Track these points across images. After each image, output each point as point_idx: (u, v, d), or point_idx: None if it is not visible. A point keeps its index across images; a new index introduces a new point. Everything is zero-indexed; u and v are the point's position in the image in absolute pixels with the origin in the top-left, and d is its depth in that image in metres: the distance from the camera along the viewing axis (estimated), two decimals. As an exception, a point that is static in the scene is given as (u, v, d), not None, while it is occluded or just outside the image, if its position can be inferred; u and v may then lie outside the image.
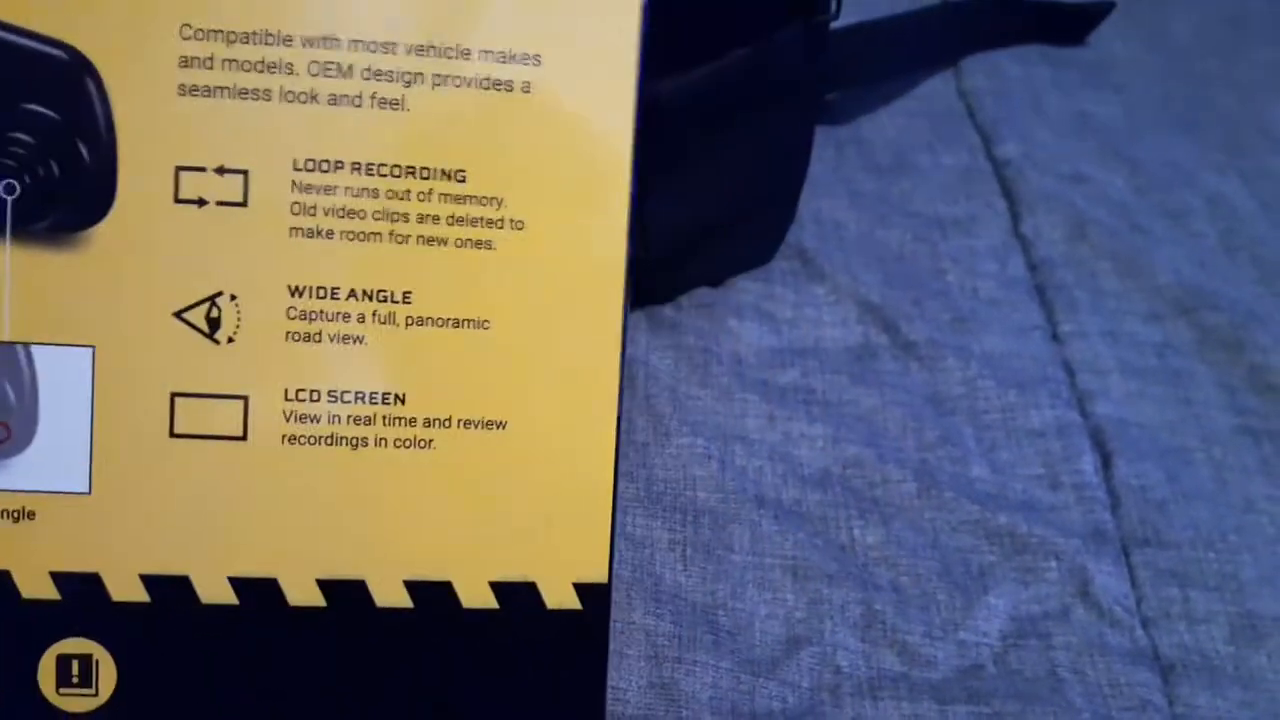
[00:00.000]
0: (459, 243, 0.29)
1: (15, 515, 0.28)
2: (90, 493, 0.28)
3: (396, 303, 0.29)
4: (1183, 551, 0.39)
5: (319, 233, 0.28)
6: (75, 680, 0.28)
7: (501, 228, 0.29)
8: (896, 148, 0.55)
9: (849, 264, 0.48)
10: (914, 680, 0.35)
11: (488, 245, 0.29)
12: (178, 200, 0.28)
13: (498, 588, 0.29)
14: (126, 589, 0.28)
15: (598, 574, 0.30)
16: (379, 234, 0.28)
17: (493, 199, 0.29)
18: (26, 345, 0.28)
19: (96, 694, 0.28)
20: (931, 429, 0.42)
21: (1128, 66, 0.63)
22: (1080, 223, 0.50)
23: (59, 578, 0.28)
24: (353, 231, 0.28)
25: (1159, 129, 0.59)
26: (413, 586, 0.29)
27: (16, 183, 0.27)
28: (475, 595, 0.29)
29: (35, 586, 0.28)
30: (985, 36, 0.61)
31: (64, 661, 0.28)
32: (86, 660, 0.28)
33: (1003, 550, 0.39)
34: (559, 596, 0.29)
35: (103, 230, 0.28)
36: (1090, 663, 0.36)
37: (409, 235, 0.29)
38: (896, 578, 0.38)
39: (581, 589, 0.30)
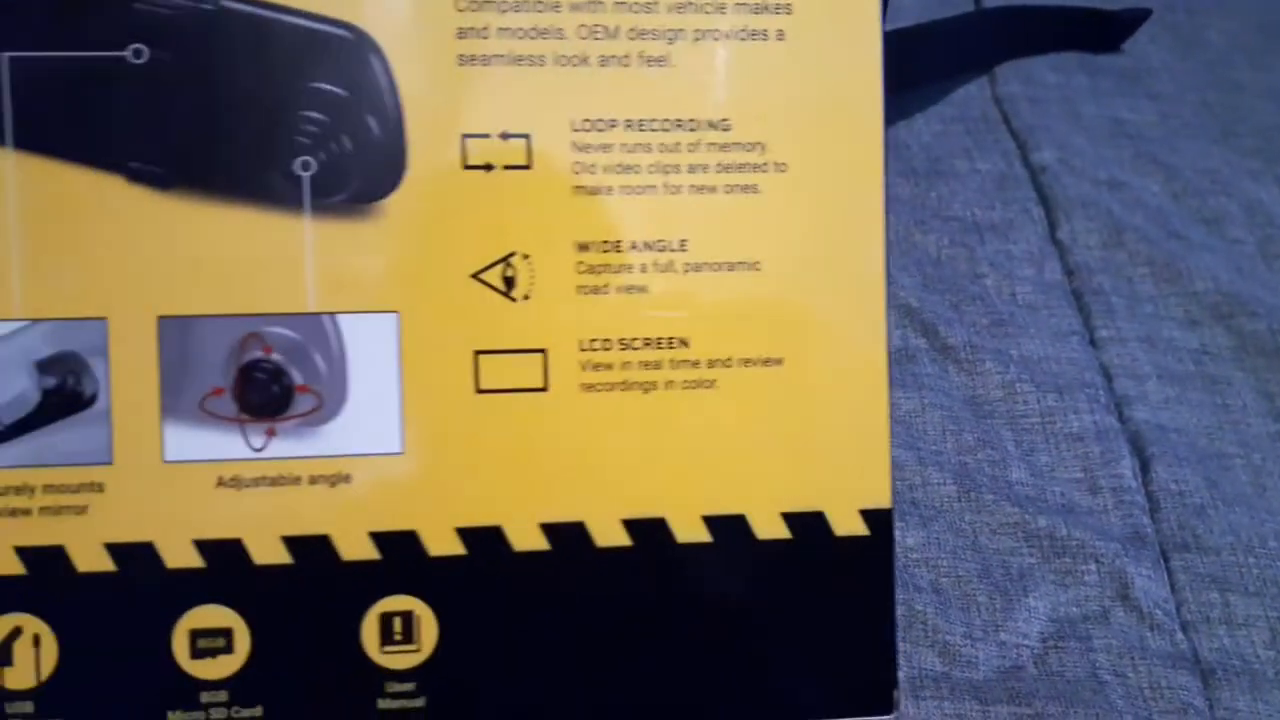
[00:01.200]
0: (727, 189, 0.30)
1: (332, 480, 0.29)
2: (403, 452, 0.29)
3: (674, 251, 0.30)
4: (1222, 557, 0.39)
5: (599, 189, 0.30)
6: (398, 637, 0.29)
7: (766, 171, 0.30)
8: (932, 153, 0.55)
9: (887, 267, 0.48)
10: (955, 680, 0.35)
11: (754, 190, 0.30)
12: (466, 167, 0.29)
13: (789, 518, 0.30)
14: (442, 543, 0.29)
15: (881, 499, 0.31)
16: (654, 186, 0.30)
17: (756, 144, 0.30)
18: (333, 315, 0.29)
19: (419, 649, 0.29)
20: (970, 432, 0.42)
21: (1163, 74, 0.63)
22: (1117, 229, 0.50)
23: (377, 537, 0.29)
24: (630, 186, 0.30)
25: (1195, 136, 0.58)
26: (710, 521, 0.30)
27: (312, 159, 0.29)
28: (768, 527, 0.30)
29: (355, 548, 0.29)
30: (1020, 43, 0.61)
31: (386, 619, 0.29)
32: (408, 617, 0.29)
33: (1042, 553, 0.38)
34: (847, 524, 0.31)
35: (397, 200, 0.29)
36: (1131, 665, 0.36)
37: (681, 185, 0.30)
38: (937, 579, 0.38)
39: (867, 515, 0.31)
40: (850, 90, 0.30)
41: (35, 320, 0.28)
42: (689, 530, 0.30)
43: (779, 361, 0.30)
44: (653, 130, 0.30)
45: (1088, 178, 0.53)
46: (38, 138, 0.28)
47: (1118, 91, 0.61)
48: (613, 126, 0.30)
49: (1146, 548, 0.39)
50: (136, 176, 0.28)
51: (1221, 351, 0.46)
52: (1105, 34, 0.62)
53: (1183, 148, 0.56)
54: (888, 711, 0.31)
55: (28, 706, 0.28)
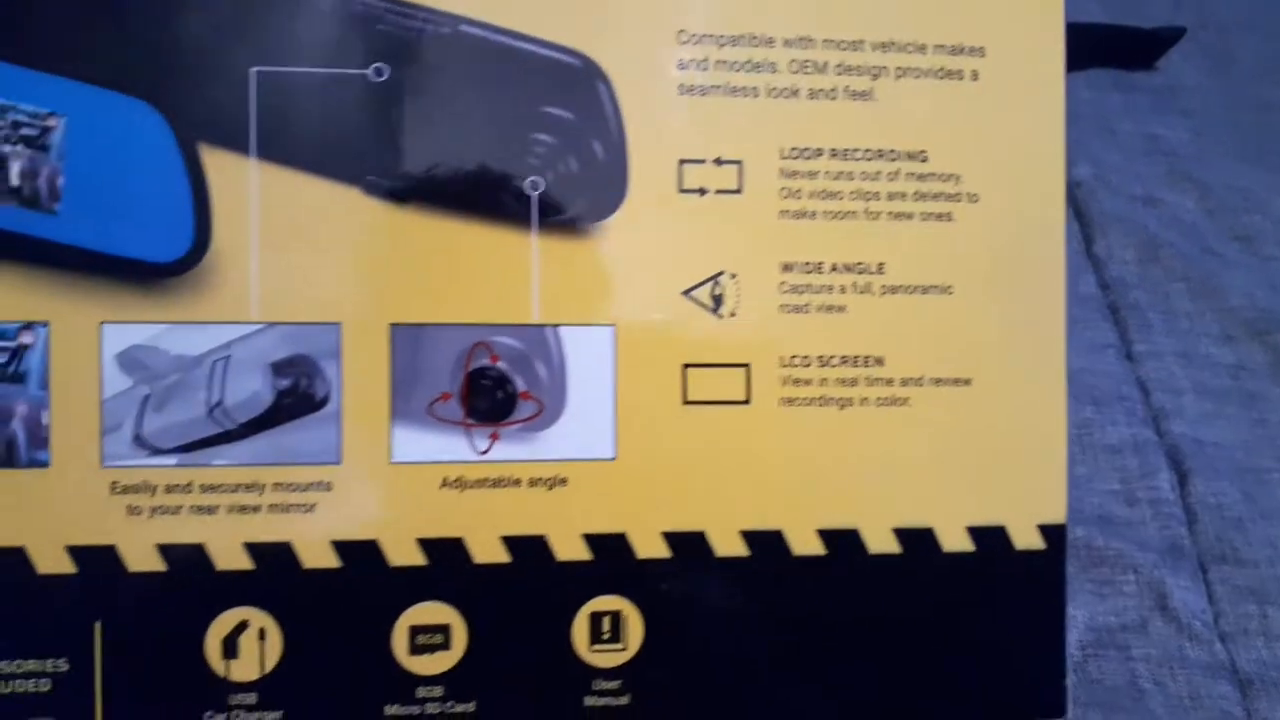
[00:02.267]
0: (923, 216, 0.32)
1: (550, 483, 0.30)
2: (615, 458, 0.30)
3: (872, 273, 0.31)
4: (1260, 569, 0.40)
5: (804, 214, 0.31)
6: (606, 636, 0.30)
7: (959, 201, 0.32)
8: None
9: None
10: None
11: (948, 218, 0.32)
12: (682, 190, 0.31)
13: (973, 532, 0.32)
14: (650, 546, 0.31)
15: (1057, 515, 0.32)
16: (854, 212, 0.31)
17: (951, 175, 0.32)
18: (555, 327, 0.30)
19: (625, 648, 0.31)
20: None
21: (1196, 92, 0.64)
22: (1153, 244, 0.50)
23: (590, 539, 0.30)
24: (832, 211, 0.31)
25: (1228, 154, 0.59)
26: (900, 533, 0.31)
27: (541, 179, 0.30)
28: (954, 540, 0.32)
29: (569, 549, 0.30)
30: None
31: (596, 619, 0.30)
32: (616, 616, 0.31)
33: (1079, 562, 0.39)
34: (1026, 538, 0.32)
35: (617, 219, 0.31)
36: (1170, 674, 0.37)
37: (880, 212, 0.31)
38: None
39: (1044, 529, 0.32)
40: (1036, 127, 0.32)
41: (272, 324, 0.29)
42: (880, 541, 0.31)
43: (968, 382, 0.32)
44: (855, 159, 0.31)
45: (1123, 193, 0.54)
46: (280, 149, 0.29)
47: (1152, 109, 0.62)
48: (818, 155, 0.31)
49: (1184, 559, 0.40)
50: (373, 190, 0.30)
51: (1258, 367, 0.47)
52: (1140, 52, 0.63)
53: (1215, 165, 0.57)
54: (1061, 715, 0.32)
55: (251, 698, 0.29)
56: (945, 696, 0.32)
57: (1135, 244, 0.50)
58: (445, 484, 0.30)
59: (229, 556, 0.29)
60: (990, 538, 0.32)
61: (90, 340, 0.29)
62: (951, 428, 0.32)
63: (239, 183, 0.29)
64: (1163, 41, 0.63)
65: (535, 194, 0.30)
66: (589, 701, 0.30)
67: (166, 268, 0.29)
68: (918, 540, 0.31)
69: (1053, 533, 0.32)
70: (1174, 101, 0.62)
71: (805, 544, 0.31)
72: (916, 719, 0.32)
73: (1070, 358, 0.45)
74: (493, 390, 0.30)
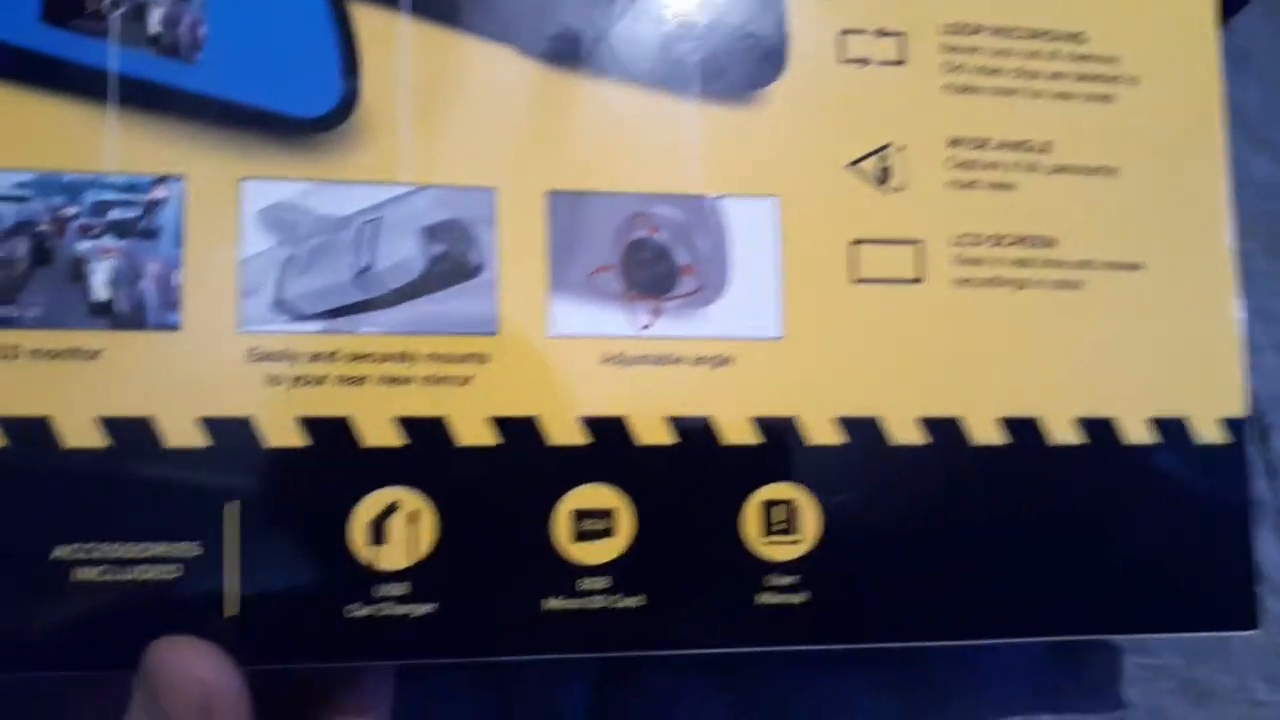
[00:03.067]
0: (1085, 98, 0.31)
1: (714, 362, 0.28)
2: (782, 338, 0.28)
3: (1039, 152, 0.30)
4: None
5: (968, 90, 0.30)
6: (779, 527, 0.28)
7: (1119, 83, 0.31)
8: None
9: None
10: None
11: (1109, 100, 0.31)
12: (843, 60, 0.30)
13: (1154, 424, 0.30)
14: (822, 432, 0.28)
15: (1237, 408, 0.31)
16: (1017, 90, 0.30)
17: (1110, 58, 0.31)
18: (717, 198, 0.29)
19: (800, 540, 0.28)
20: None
21: (1268, 55, 0.65)
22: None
23: (758, 422, 0.28)
24: (996, 88, 0.30)
25: None
26: (1081, 424, 0.30)
27: (702, 44, 0.29)
28: (1135, 432, 0.30)
29: (736, 432, 0.28)
30: None
31: (767, 508, 0.28)
32: (789, 505, 0.28)
33: None
34: (1207, 431, 0.30)
35: (779, 89, 0.29)
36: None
37: (1043, 91, 0.30)
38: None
39: (1225, 423, 0.30)
40: (1191, 11, 0.31)
41: (423, 186, 0.27)
42: (1061, 432, 0.29)
43: (1139, 266, 0.30)
44: (1015, 38, 0.30)
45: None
46: (435, 6, 0.28)
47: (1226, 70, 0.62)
48: (979, 31, 0.30)
49: (1267, 513, 0.39)
50: (529, 50, 0.28)
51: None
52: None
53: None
54: (1251, 626, 0.30)
55: (399, 589, 0.26)
56: (1123, 599, 0.29)
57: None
58: (606, 359, 0.27)
59: (377, 432, 0.26)
60: (1171, 431, 0.30)
61: (229, 196, 0.27)
62: (1126, 313, 0.30)
63: (389, 38, 0.27)
64: (1235, 2, 0.63)
65: (696, 59, 0.29)
66: (761, 599, 0.28)
67: (312, 123, 0.27)
68: (1099, 431, 0.29)
69: (1234, 426, 0.30)
70: (1247, 64, 0.62)
71: (985, 433, 0.29)
72: (1094, 625, 0.29)
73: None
74: (653, 263, 0.28)
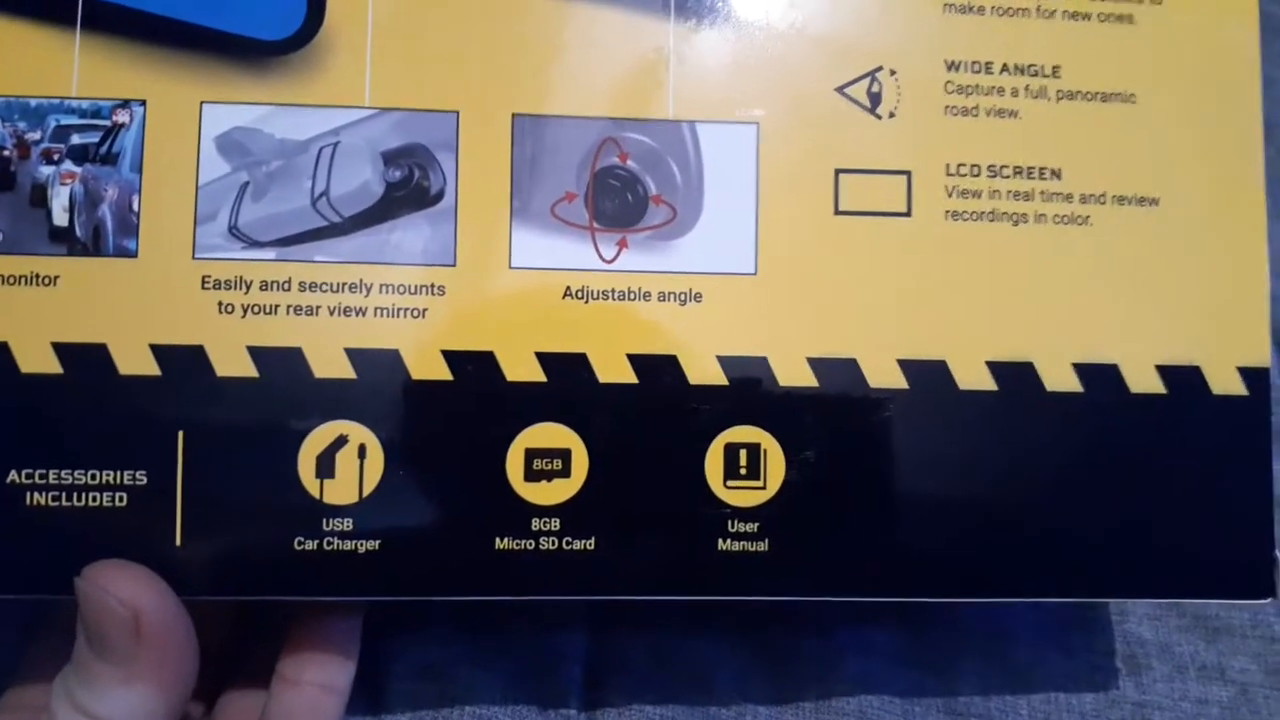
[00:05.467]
0: (1102, 17, 0.28)
1: (683, 298, 0.27)
2: (756, 273, 0.27)
3: (1046, 76, 0.28)
4: None
5: (970, 8, 0.28)
6: (743, 471, 0.27)
7: (1140, 1, 0.28)
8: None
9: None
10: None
11: (1128, 20, 0.28)
12: (833, -22, 0.28)
13: (1164, 372, 0.28)
14: (794, 373, 0.27)
15: (1260, 357, 0.28)
16: (1026, 10, 0.28)
17: (1134, -27, 0.28)
18: (692, 124, 0.27)
19: (764, 487, 0.27)
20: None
21: None
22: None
23: (726, 362, 0.27)
24: (1001, 7, 0.28)
25: None
26: (1080, 369, 0.27)
27: (678, -36, 0.27)
28: (1142, 379, 0.28)
29: (702, 372, 0.27)
30: None
31: (732, 451, 0.27)
32: (755, 450, 0.27)
33: None
34: (1224, 382, 0.28)
35: (759, 7, 0.27)
36: None
37: (1055, 10, 0.28)
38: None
39: (1246, 373, 0.28)
40: (1229, -76, 0.29)
41: (383, 110, 0.26)
42: (1057, 378, 0.27)
43: (1154, 201, 0.28)
44: (1026, -48, 0.28)
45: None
46: (397, -74, 0.27)
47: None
48: (985, -55, 0.28)
49: None
50: (496, -31, 0.27)
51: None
52: None
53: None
54: (1268, 595, 0.28)
55: (346, 524, 0.26)
56: (1131, 564, 0.27)
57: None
58: (568, 294, 0.26)
59: (329, 363, 0.26)
60: (1183, 379, 0.28)
61: (189, 120, 0.26)
62: (1138, 252, 0.28)
63: (352, -42, 0.26)
64: None
65: (672, -21, 0.27)
66: (723, 545, 0.26)
67: (275, 45, 0.26)
68: (1101, 378, 0.27)
69: (1255, 376, 0.28)
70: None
71: (973, 377, 0.27)
72: (1091, 589, 0.27)
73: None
74: (622, 192, 0.27)
